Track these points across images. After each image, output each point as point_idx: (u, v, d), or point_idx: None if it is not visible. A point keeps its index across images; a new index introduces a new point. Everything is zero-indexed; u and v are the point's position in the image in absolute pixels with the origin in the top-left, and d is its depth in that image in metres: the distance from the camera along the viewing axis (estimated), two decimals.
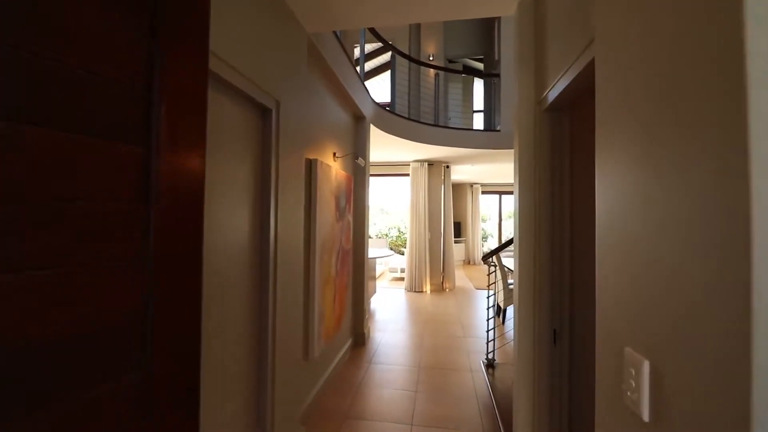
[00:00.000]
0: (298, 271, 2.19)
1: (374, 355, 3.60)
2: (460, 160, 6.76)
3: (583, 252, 1.57)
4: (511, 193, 11.37)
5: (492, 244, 13.65)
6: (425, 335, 4.21)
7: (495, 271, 3.46)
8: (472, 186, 11.09)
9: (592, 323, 0.94)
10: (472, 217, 11.05)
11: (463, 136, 5.70)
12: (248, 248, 1.67)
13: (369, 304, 5.48)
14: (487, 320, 3.30)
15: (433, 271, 6.83)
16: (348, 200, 3.42)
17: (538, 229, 1.74)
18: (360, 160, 3.34)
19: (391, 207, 15.89)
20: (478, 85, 9.27)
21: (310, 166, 2.50)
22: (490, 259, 3.71)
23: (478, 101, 9.15)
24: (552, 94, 1.60)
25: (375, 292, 5.92)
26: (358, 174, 3.94)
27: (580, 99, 1.51)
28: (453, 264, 7.08)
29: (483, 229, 11.52)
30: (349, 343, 3.64)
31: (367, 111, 4.03)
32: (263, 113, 1.76)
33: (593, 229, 0.94)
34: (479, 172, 8.65)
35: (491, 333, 3.25)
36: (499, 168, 7.85)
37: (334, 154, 3.08)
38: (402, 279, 7.68)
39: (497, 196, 11.39)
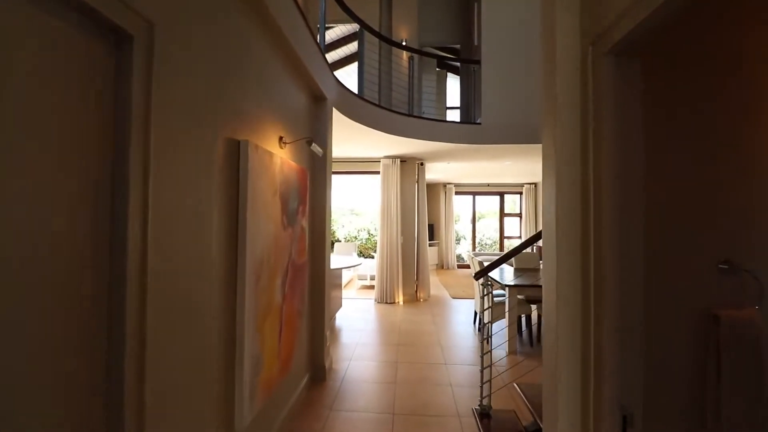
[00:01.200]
0: (204, 306, 1.42)
1: (336, 396, 2.85)
2: (436, 156, 6.13)
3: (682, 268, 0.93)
4: (485, 193, 10.94)
5: (465, 247, 13.22)
6: (400, 363, 3.50)
7: (488, 293, 2.75)
8: (445, 186, 10.55)
9: None
10: (446, 219, 10.52)
11: (439, 128, 5.05)
12: (74, 266, 0.89)
13: (333, 321, 4.72)
14: (481, 356, 2.62)
15: (406, 280, 6.16)
16: (302, 201, 2.66)
17: (590, 235, 1.08)
18: (315, 147, 2.59)
19: (362, 207, 15.18)
20: (453, 81, 8.73)
21: (237, 151, 1.72)
22: (484, 279, 2.81)
23: (453, 98, 8.61)
24: (622, 27, 0.93)
25: (340, 306, 5.17)
26: (318, 168, 3.18)
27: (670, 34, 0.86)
28: (428, 271, 6.44)
29: (455, 231, 11.02)
30: (304, 381, 2.87)
31: (329, 91, 3.28)
32: (116, 43, 0.98)
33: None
34: (455, 171, 8.08)
35: (485, 373, 2.57)
36: (477, 167, 7.30)
37: (281, 138, 2.31)
38: (372, 287, 6.96)
39: (471, 197, 10.92)
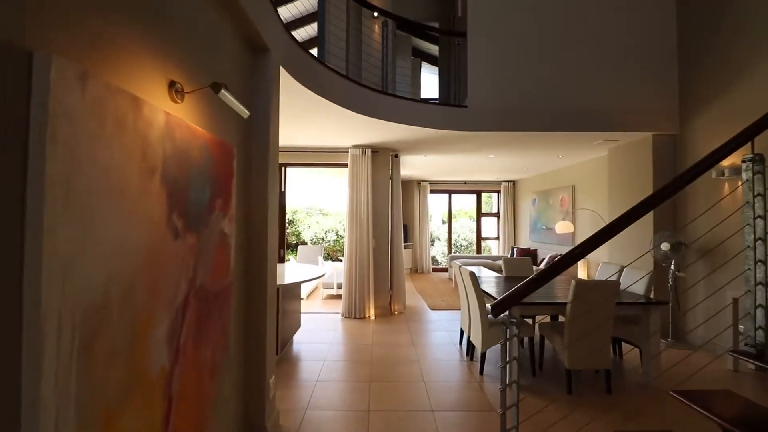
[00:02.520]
0: None
1: None
2: (413, 146, 5.29)
3: None
4: (461, 191, 10.25)
5: (438, 248, 12.53)
6: (373, 413, 2.62)
7: (514, 336, 1.82)
8: (419, 184, 9.78)
9: None
10: (420, 219, 9.75)
11: (418, 111, 4.22)
12: None
13: (290, 345, 3.76)
14: (502, 413, 1.76)
15: (378, 290, 5.29)
16: (222, 192, 1.72)
17: None
18: (229, 98, 1.63)
19: (331, 206, 14.19)
20: (428, 74, 7.94)
21: (27, 73, 0.78)
22: (506, 317, 1.80)
23: (428, 92, 7.81)
24: None
25: (299, 326, 4.23)
26: (257, 148, 2.23)
27: None
28: (403, 278, 5.60)
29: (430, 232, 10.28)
30: None
31: (274, 41, 2.35)
32: None
33: None
34: (431, 167, 7.30)
35: None
36: (456, 162, 6.54)
37: (174, 85, 1.37)
38: (340, 296, 6.03)
39: (446, 195, 10.21)
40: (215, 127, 1.74)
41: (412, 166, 7.19)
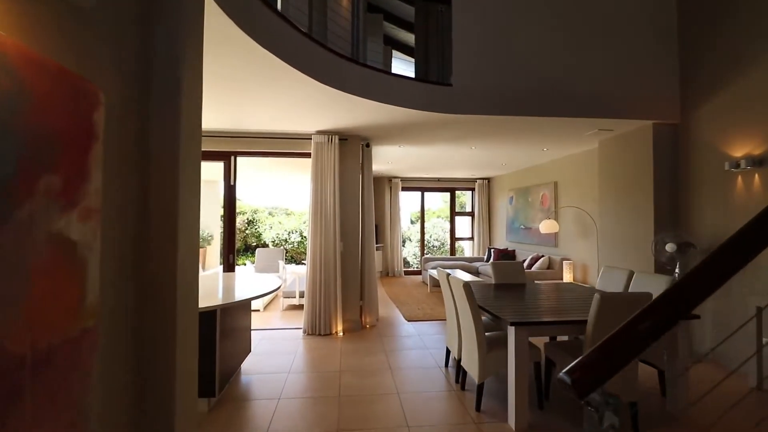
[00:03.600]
0: None
1: None
2: (387, 133, 4.59)
3: None
4: (434, 189, 9.67)
5: (410, 249, 11.93)
6: None
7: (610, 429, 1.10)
8: (390, 180, 9.11)
9: None
10: (392, 218, 9.07)
11: (395, 86, 3.51)
12: None
13: (237, 376, 2.91)
14: None
15: (347, 301, 4.54)
16: (66, 165, 0.93)
17: None
18: None
19: (295, 204, 13.26)
20: (401, 66, 7.28)
21: None
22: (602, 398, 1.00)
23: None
24: None
25: (249, 352, 3.40)
26: (159, 107, 1.41)
27: None
28: (375, 286, 4.87)
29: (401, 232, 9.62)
30: None
31: None
32: None
33: None
34: (403, 162, 6.64)
35: None
36: (433, 155, 5.89)
37: None
38: (303, 307, 5.21)
39: (419, 193, 9.60)
40: (67, 54, 0.94)
41: (383, 160, 6.49)
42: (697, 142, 3.85)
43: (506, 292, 3.38)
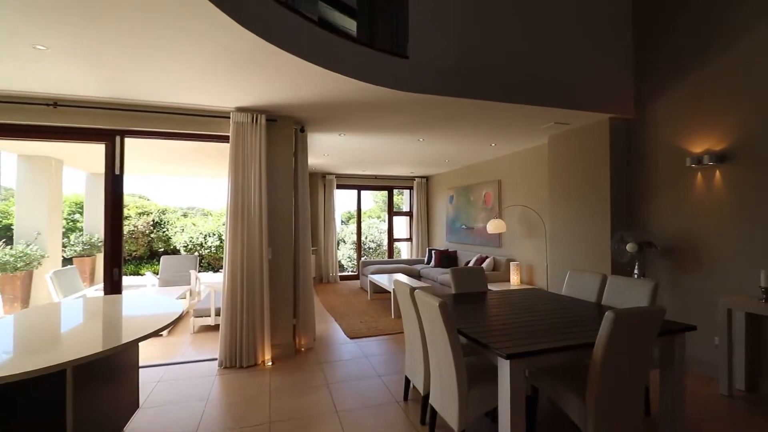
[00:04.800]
0: None
1: None
2: (327, 116, 3.82)
3: None
4: (371, 187, 9.05)
5: (344, 252, 11.19)
6: None
7: None
8: (324, 177, 8.28)
9: None
10: (326, 219, 8.25)
11: (341, 50, 2.78)
12: None
13: None
14: None
15: (277, 321, 3.67)
16: None
17: None
18: None
19: (214, 203, 11.73)
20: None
21: None
22: None
23: None
24: None
25: (136, 407, 2.40)
26: None
27: None
28: (312, 299, 4.05)
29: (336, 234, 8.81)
30: None
31: None
32: None
33: None
34: (340, 155, 5.88)
35: None
36: (378, 146, 5.24)
37: None
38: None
39: (355, 191, 8.90)
40: None
41: (319, 151, 5.68)
42: (653, 137, 3.71)
43: (473, 305, 2.84)
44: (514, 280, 5.51)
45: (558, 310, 2.64)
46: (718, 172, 3.19)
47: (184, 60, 2.51)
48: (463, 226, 7.35)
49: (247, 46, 2.32)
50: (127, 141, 3.56)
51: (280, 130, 3.75)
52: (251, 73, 2.73)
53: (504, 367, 1.83)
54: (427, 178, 9.04)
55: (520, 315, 2.50)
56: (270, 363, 3.46)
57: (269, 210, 3.63)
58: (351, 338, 4.23)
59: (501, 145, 5.33)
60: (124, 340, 1.69)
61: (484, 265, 5.94)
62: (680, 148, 3.46)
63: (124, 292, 3.48)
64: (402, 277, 6.28)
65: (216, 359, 3.51)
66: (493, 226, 5.51)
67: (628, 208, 3.92)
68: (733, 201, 3.07)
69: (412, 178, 8.99)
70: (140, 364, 3.33)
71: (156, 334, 1.85)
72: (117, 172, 3.47)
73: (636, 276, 3.64)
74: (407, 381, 2.77)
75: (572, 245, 4.31)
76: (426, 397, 2.41)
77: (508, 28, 3.40)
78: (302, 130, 3.98)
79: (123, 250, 3.52)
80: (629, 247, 3.58)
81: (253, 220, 3.51)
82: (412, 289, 2.39)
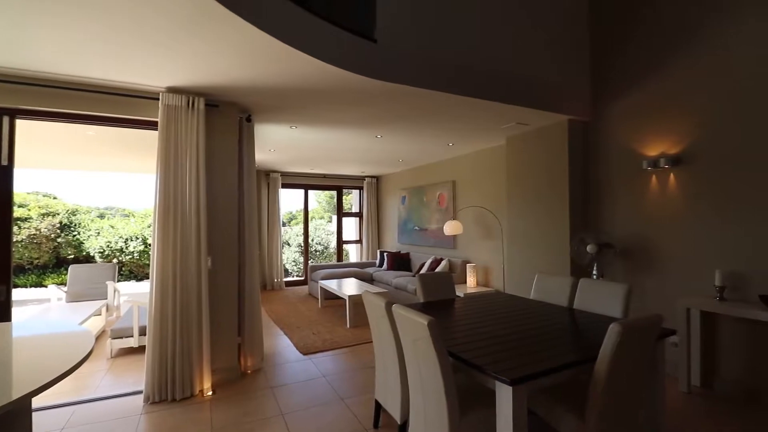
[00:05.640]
0: None
1: None
2: (278, 103, 3.36)
3: None
4: (320, 187, 8.58)
5: (288, 255, 10.56)
6: None
7: None
8: (269, 175, 7.66)
9: None
10: (270, 220, 7.63)
11: (300, 21, 2.38)
12: None
13: None
14: None
15: (219, 341, 3.14)
16: None
17: None
18: None
19: (137, 202, 10.44)
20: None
21: None
22: None
23: None
24: None
25: None
26: None
27: None
28: (259, 313, 3.55)
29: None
30: None
31: None
32: None
33: None
34: (292, 150, 5.39)
35: None
36: (331, 142, 4.84)
37: None
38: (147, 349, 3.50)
39: (302, 190, 8.37)
40: None
41: (265, 146, 5.13)
42: (611, 140, 3.78)
43: (449, 316, 2.60)
44: (471, 283, 5.42)
45: (538, 317, 2.48)
46: (672, 175, 3.28)
47: (101, 18, 1.95)
48: (416, 228, 7.19)
49: (185, 4, 1.84)
50: (21, 124, 2.82)
51: (223, 118, 3.22)
52: (189, 43, 2.22)
53: (505, 393, 1.58)
54: (377, 178, 8.77)
55: (502, 326, 2.29)
56: (210, 392, 2.93)
57: (209, 211, 3.09)
58: (304, 354, 3.79)
59: (459, 144, 5.22)
60: (14, 396, 1.16)
61: (440, 267, 5.80)
62: (637, 151, 3.54)
63: (19, 310, 2.74)
64: (352, 282, 5.94)
65: (141, 392, 2.89)
66: (451, 228, 5.39)
67: (586, 209, 3.96)
68: (687, 203, 3.17)
69: (363, 178, 8.67)
70: (38, 405, 2.64)
71: (55, 383, 1.33)
72: (4, 162, 2.71)
73: (595, 277, 3.68)
74: (378, 405, 2.44)
75: (530, 246, 4.28)
76: (403, 426, 2.11)
77: (475, 24, 3.23)
78: (249, 120, 3.48)
79: (12, 260, 2.76)
80: (589, 248, 3.60)
81: (189, 222, 2.95)
82: (389, 304, 2.06)
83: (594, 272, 3.69)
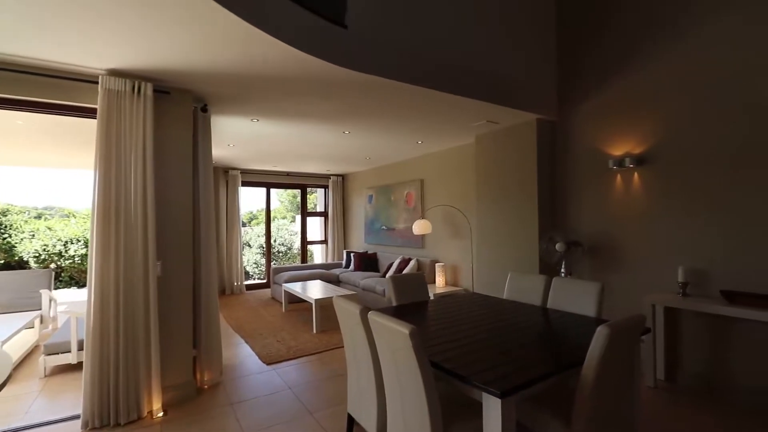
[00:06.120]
0: None
1: None
2: (239, 92, 3.09)
3: None
4: (283, 185, 8.25)
5: (248, 257, 10.09)
6: None
7: None
8: (228, 172, 7.23)
9: None
10: (228, 220, 7.21)
11: (271, 2, 2.15)
12: None
13: None
14: None
15: (170, 354, 2.82)
16: None
17: None
18: None
19: (79, 202, 9.58)
20: None
21: None
22: None
23: None
24: None
25: None
26: None
27: None
28: (217, 321, 3.25)
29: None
30: None
31: None
32: None
33: None
34: (252, 145, 5.07)
35: None
36: (296, 138, 4.58)
37: None
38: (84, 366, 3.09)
39: (264, 189, 7.98)
40: None
41: (223, 140, 4.78)
42: (577, 140, 3.82)
43: (424, 321, 2.47)
44: (440, 282, 5.36)
45: (515, 319, 2.41)
46: (636, 175, 3.36)
47: None
48: (384, 227, 7.06)
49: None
50: None
51: (175, 107, 2.90)
52: (136, 14, 1.93)
53: (493, 405, 1.46)
54: (343, 176, 8.55)
55: (481, 330, 2.19)
56: (161, 413, 2.61)
57: (158, 211, 2.77)
58: (268, 364, 3.53)
59: (428, 142, 5.13)
60: None
61: (408, 267, 5.69)
62: (603, 150, 3.59)
63: None
64: (317, 284, 5.71)
65: (79, 417, 2.53)
66: (420, 227, 5.30)
67: (554, 208, 3.99)
68: (651, 202, 3.25)
69: (328, 177, 8.42)
70: None
71: None
72: None
73: (563, 275, 3.70)
74: (350, 419, 2.26)
75: (499, 245, 4.27)
76: None
77: (448, 19, 3.13)
78: (204, 110, 3.17)
79: None
80: (558, 246, 3.62)
81: (134, 224, 2.62)
82: (365, 311, 1.89)
83: (562, 270, 3.72)
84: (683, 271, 2.94)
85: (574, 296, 2.64)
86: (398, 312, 2.64)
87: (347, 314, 2.05)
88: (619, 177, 3.48)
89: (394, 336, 1.62)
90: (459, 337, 2.06)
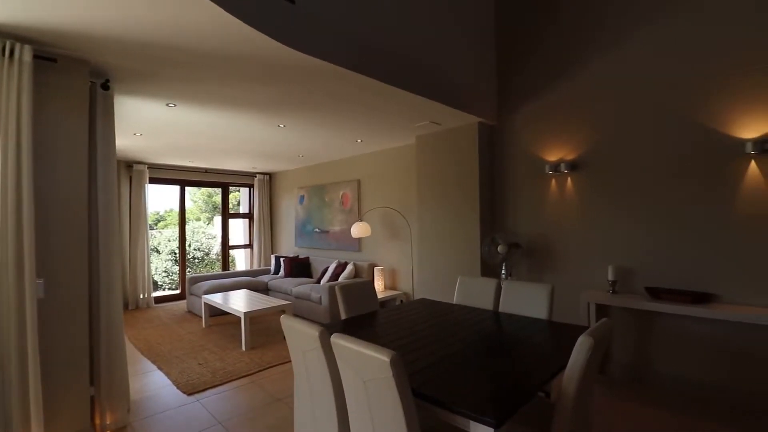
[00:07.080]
0: None
1: None
2: (155, 67, 2.54)
3: None
4: (201, 183, 7.38)
5: (161, 264, 8.92)
6: None
7: None
8: (131, 167, 6.21)
9: None
10: (132, 223, 6.19)
11: None
12: None
13: None
14: None
15: (56, 397, 2.19)
16: None
17: None
18: None
19: None
20: None
21: None
22: None
23: None
24: None
25: None
26: None
27: None
28: (123, 347, 2.64)
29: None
30: None
31: None
32: None
33: None
34: (165, 135, 4.35)
35: None
36: (220, 129, 4.03)
37: None
38: None
39: (177, 187, 7.04)
40: None
41: (128, 128, 4.02)
42: (515, 144, 3.93)
43: (384, 336, 2.25)
44: (379, 287, 5.19)
45: (473, 327, 2.30)
46: (570, 179, 3.53)
47: None
48: (317, 230, 6.68)
49: None
50: None
51: (64, 80, 2.27)
52: None
53: None
54: (271, 174, 7.95)
55: (444, 343, 2.03)
56: None
57: (39, 213, 2.13)
58: (189, 395, 2.99)
59: (368, 141, 4.92)
60: None
61: (346, 272, 5.42)
62: (539, 156, 3.73)
63: None
64: (246, 294, 5.16)
65: None
66: (358, 230, 5.06)
67: (493, 210, 4.06)
68: (583, 205, 3.44)
69: (253, 175, 7.75)
70: None
71: None
72: None
73: (504, 277, 3.77)
74: None
75: (440, 247, 4.23)
76: None
77: (400, 11, 2.96)
78: (106, 87, 2.55)
79: None
80: (500, 248, 3.67)
81: (3, 230, 1.97)
82: (325, 333, 1.60)
83: (503, 272, 3.78)
84: (613, 270, 3.14)
85: (525, 299, 2.64)
86: (349, 327, 2.38)
87: (301, 336, 1.73)
88: (554, 181, 3.63)
89: (368, 364, 1.36)
90: (427, 354, 1.87)
